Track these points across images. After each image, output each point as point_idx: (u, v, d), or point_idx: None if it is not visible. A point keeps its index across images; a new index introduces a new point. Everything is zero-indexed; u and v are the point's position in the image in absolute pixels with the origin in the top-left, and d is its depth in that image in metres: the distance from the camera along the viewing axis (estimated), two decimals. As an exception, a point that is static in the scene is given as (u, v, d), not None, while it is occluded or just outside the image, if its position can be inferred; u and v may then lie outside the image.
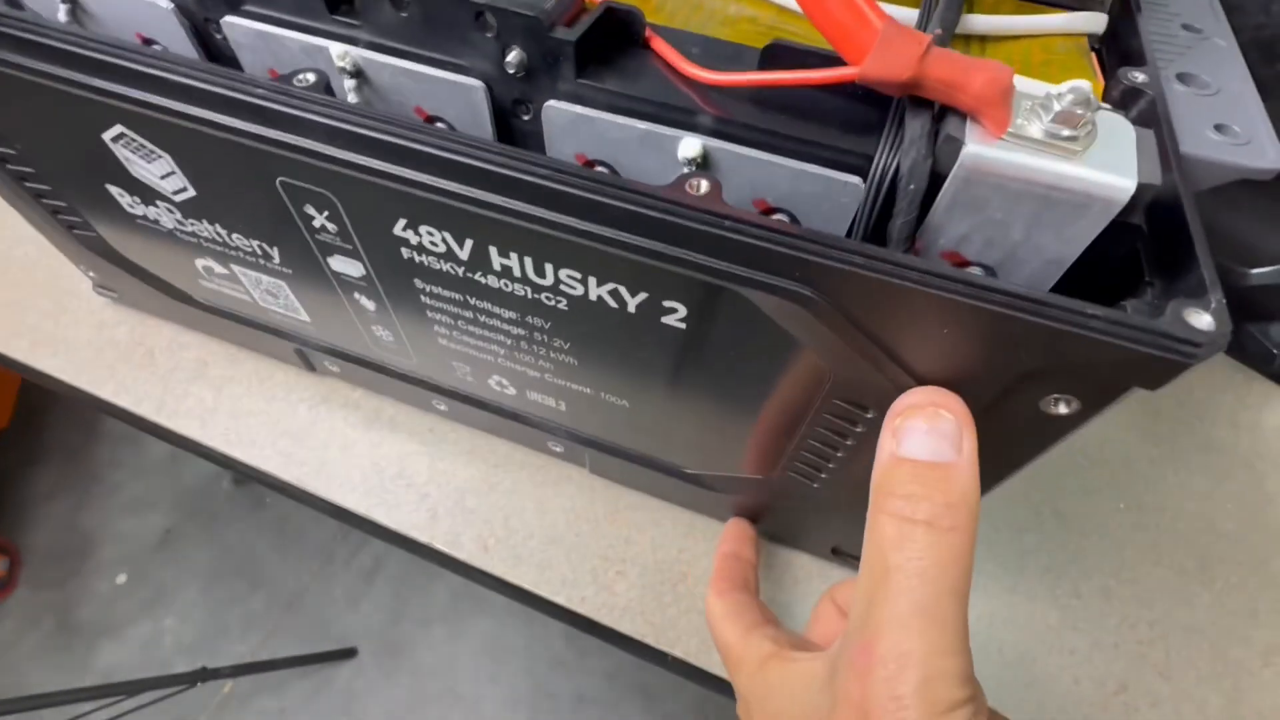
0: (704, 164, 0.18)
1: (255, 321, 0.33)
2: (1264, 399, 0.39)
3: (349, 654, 0.98)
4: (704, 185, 0.16)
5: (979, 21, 0.21)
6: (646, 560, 0.32)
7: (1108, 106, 0.18)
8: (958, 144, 0.15)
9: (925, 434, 0.16)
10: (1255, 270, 0.41)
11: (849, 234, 0.18)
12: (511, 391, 0.29)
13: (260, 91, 0.18)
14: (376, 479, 0.34)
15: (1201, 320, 0.14)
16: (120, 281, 0.35)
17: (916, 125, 0.16)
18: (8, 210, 0.31)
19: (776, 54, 0.18)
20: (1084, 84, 0.15)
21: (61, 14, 0.22)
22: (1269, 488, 0.36)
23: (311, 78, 0.19)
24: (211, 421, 0.35)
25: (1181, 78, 0.22)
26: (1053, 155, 0.15)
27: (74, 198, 0.29)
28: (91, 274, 0.37)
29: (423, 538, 0.32)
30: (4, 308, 0.39)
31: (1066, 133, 0.15)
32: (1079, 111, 0.14)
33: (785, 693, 0.18)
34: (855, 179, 0.17)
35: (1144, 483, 0.36)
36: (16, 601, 1.01)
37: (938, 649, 0.14)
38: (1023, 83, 0.16)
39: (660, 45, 0.19)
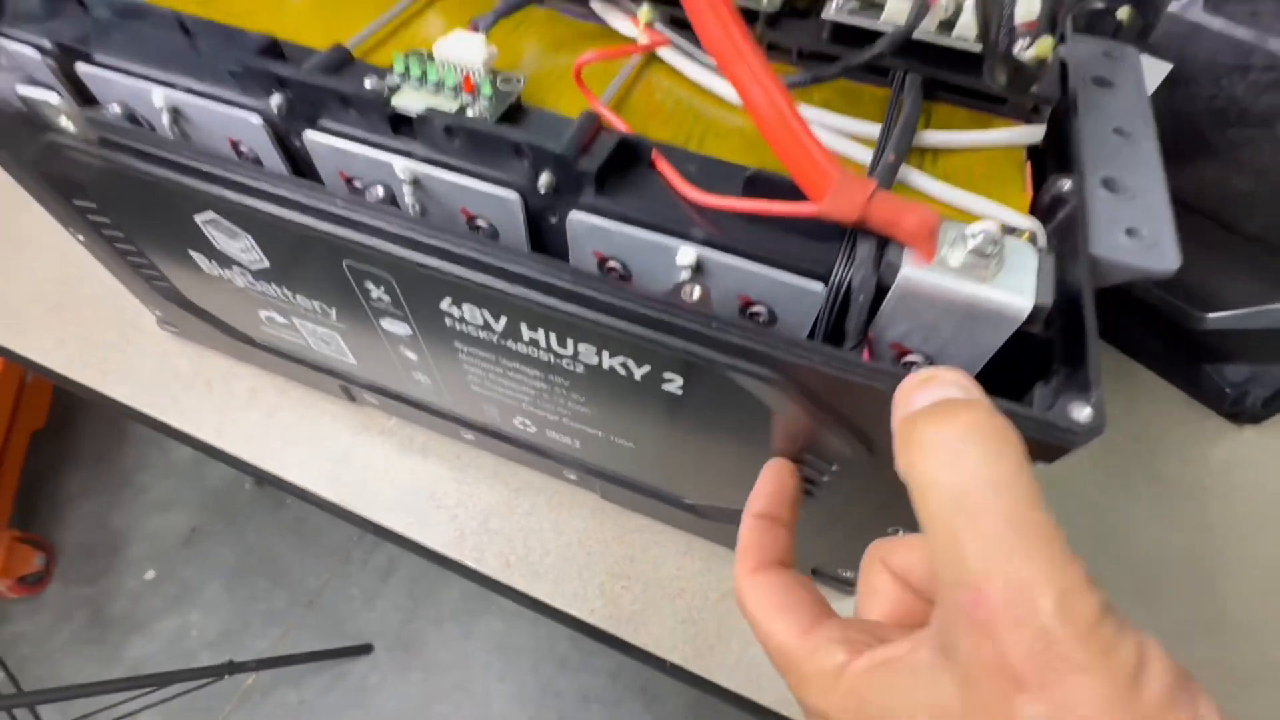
0: (698, 268, 0.22)
1: (307, 361, 0.38)
2: (1215, 435, 0.43)
3: (365, 650, 1.03)
4: (696, 292, 0.21)
5: (931, 137, 0.25)
6: (649, 577, 0.36)
7: (1027, 226, 0.22)
8: (896, 268, 0.19)
9: (928, 390, 0.15)
10: (1212, 315, 0.45)
11: (815, 325, 0.22)
12: (533, 430, 0.33)
13: (340, 204, 0.22)
14: (412, 500, 0.38)
15: (1082, 413, 0.18)
16: (184, 321, 0.40)
17: (864, 249, 0.20)
18: (75, 249, 0.35)
19: (756, 182, 0.22)
20: (993, 226, 0.19)
21: (165, 119, 0.26)
22: (1209, 518, 0.39)
23: (380, 192, 0.23)
24: (264, 446, 0.40)
25: (1106, 182, 0.26)
26: (969, 280, 0.19)
27: (157, 257, 0.33)
28: (158, 312, 0.42)
29: (453, 554, 0.36)
30: (75, 339, 0.44)
31: (979, 263, 0.19)
32: (988, 250, 0.19)
33: (889, 703, 0.14)
34: (818, 285, 0.21)
35: (1094, 512, 0.39)
36: (52, 595, 1.07)
37: (1055, 561, 0.12)
38: (948, 223, 0.20)
39: (663, 165, 0.23)
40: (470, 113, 0.23)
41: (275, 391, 0.42)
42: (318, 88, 0.23)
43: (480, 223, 0.25)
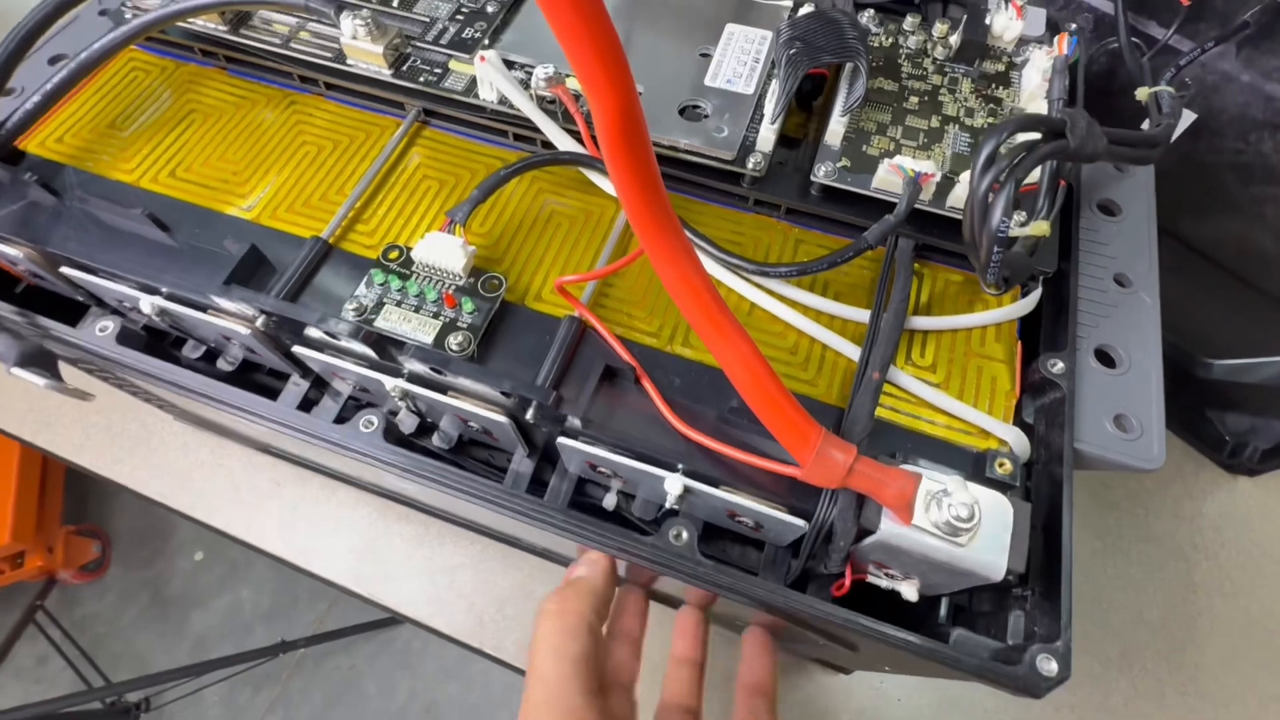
0: (686, 493, 0.23)
1: (334, 473, 0.39)
2: (1210, 487, 0.44)
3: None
4: (684, 535, 0.21)
5: (920, 322, 0.25)
6: (655, 658, 0.39)
7: (1007, 439, 0.23)
8: (875, 519, 0.20)
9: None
10: (1218, 362, 0.45)
11: (799, 545, 0.23)
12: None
13: (335, 436, 0.23)
14: (432, 589, 0.41)
15: (1049, 667, 0.19)
16: (203, 430, 0.41)
17: (846, 499, 0.21)
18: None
19: (740, 411, 0.22)
20: (969, 499, 0.19)
21: (156, 318, 0.26)
22: (1195, 578, 0.41)
23: (375, 421, 0.24)
24: (291, 541, 0.42)
25: (1099, 354, 0.25)
26: (945, 543, 0.20)
27: (174, 413, 0.34)
28: (171, 414, 0.43)
29: (474, 643, 0.39)
30: (99, 430, 0.45)
31: (955, 529, 0.19)
32: (964, 520, 0.19)
33: None
34: (802, 523, 0.22)
35: (1084, 575, 0.41)
36: (113, 579, 1.16)
37: None
38: (929, 479, 0.20)
39: (649, 386, 0.23)
40: (452, 341, 0.23)
41: (296, 482, 0.44)
42: (298, 322, 0.23)
43: (474, 425, 0.25)
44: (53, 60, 0.32)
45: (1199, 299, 0.45)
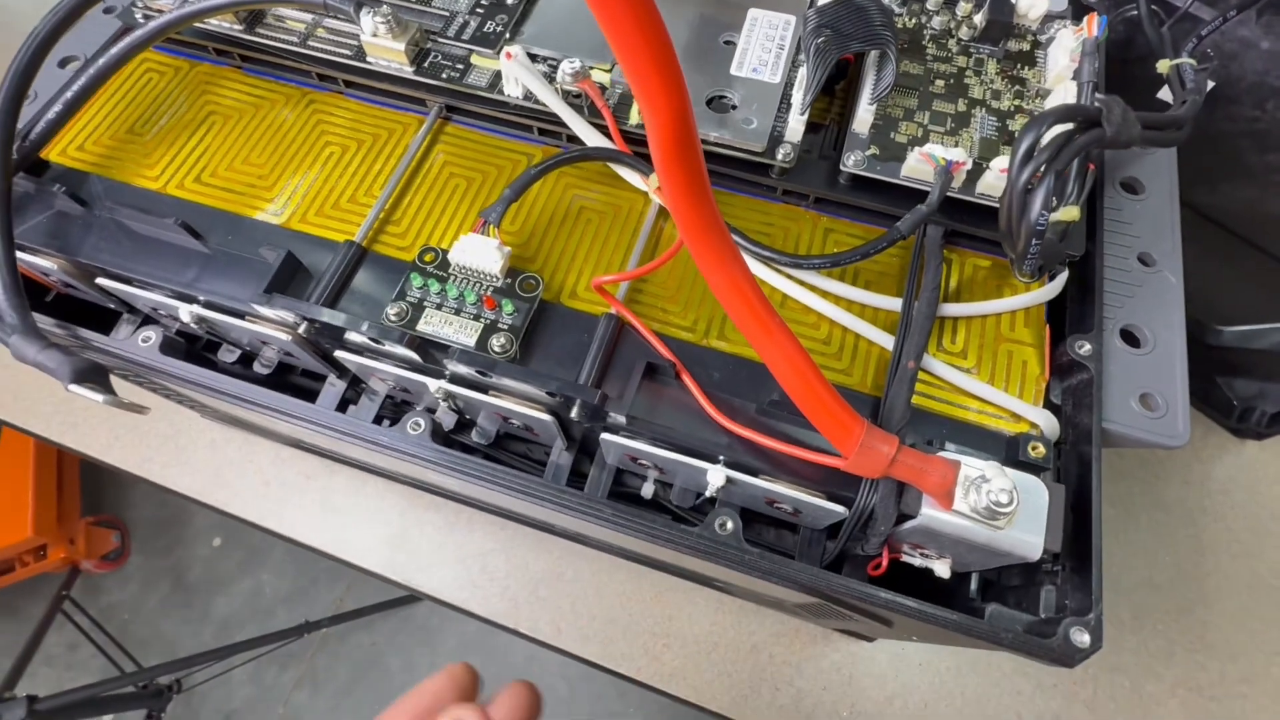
0: (728, 483, 0.23)
1: (363, 465, 0.40)
2: (1218, 451, 0.45)
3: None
4: (729, 525, 0.22)
5: (951, 309, 0.25)
6: (686, 634, 0.40)
7: (1037, 421, 0.23)
8: (916, 503, 0.21)
9: None
10: (1228, 329, 0.45)
11: (839, 528, 0.24)
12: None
13: (385, 440, 0.24)
14: (465, 575, 0.42)
15: (1082, 639, 0.20)
16: (231, 427, 0.42)
17: (887, 484, 0.21)
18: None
19: (780, 403, 0.22)
20: (1008, 485, 0.20)
21: (195, 327, 0.27)
22: (1204, 540, 0.42)
23: (422, 424, 0.24)
24: (324, 532, 0.43)
25: (1125, 334, 0.26)
26: (984, 526, 0.20)
27: (203, 411, 0.35)
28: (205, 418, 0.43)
29: (509, 624, 0.41)
30: (127, 430, 0.46)
31: (994, 513, 0.20)
32: (1003, 503, 0.20)
33: None
34: (842, 509, 0.22)
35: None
36: (134, 567, 1.18)
37: None
38: (967, 465, 0.21)
39: (689, 382, 0.23)
40: (494, 343, 0.24)
41: (325, 473, 0.45)
42: (338, 328, 0.23)
43: (514, 422, 0.26)
44: (63, 63, 0.32)
45: (1210, 266, 0.45)
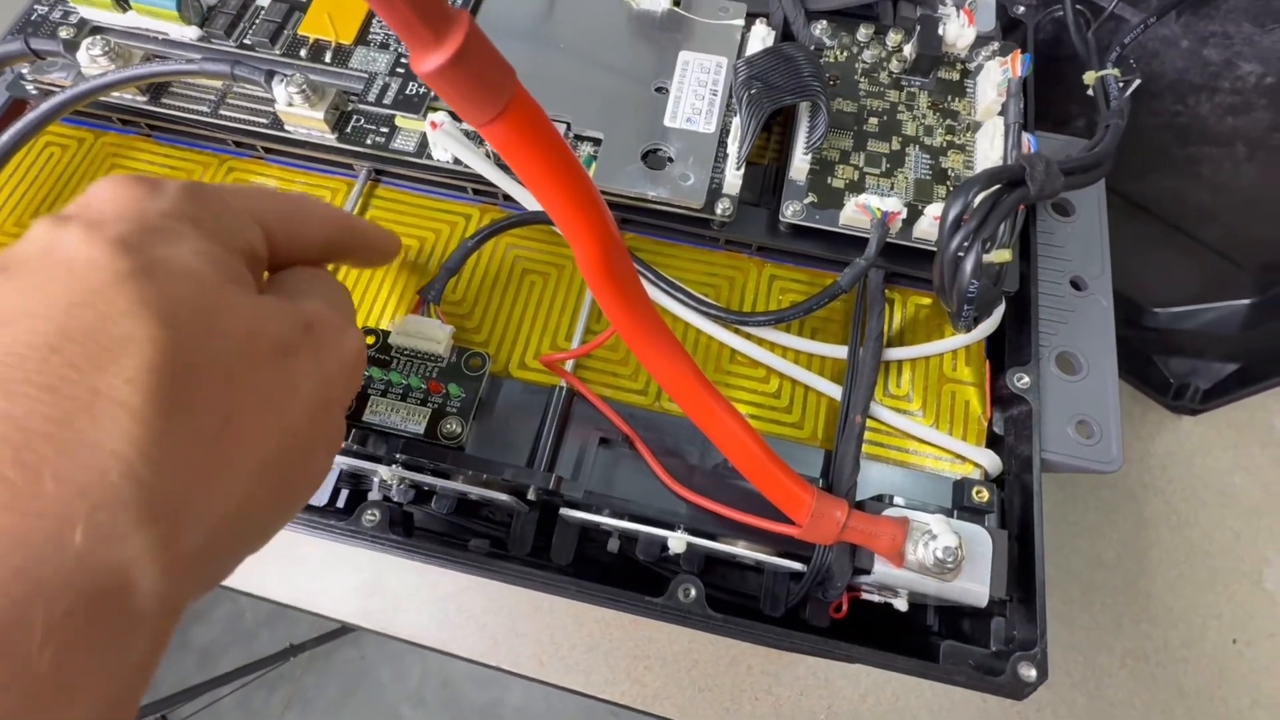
0: (689, 547, 0.24)
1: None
2: (1156, 428, 0.47)
3: (407, 606, 1.15)
4: (692, 593, 0.23)
5: (895, 353, 0.26)
6: (666, 654, 0.41)
7: (981, 462, 0.24)
8: (870, 565, 0.22)
9: None
10: (1162, 310, 0.47)
11: (801, 575, 0.24)
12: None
13: (340, 529, 0.23)
14: (442, 615, 0.42)
15: (1029, 673, 0.22)
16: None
17: (841, 549, 0.22)
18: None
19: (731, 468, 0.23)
20: (953, 541, 0.21)
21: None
22: (1147, 513, 0.45)
23: (377, 515, 0.24)
24: (292, 584, 0.43)
25: (1060, 361, 0.27)
26: (933, 579, 0.21)
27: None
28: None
29: (491, 662, 0.41)
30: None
31: (942, 566, 0.21)
32: (949, 561, 0.21)
33: None
34: (800, 566, 0.23)
35: (1049, 524, 0.44)
36: (104, 604, 1.15)
37: None
38: (915, 515, 0.21)
39: (642, 449, 0.24)
40: (444, 428, 0.23)
41: (288, 526, 0.44)
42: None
43: (474, 496, 0.26)
44: (-49, 138, 0.29)
45: (1144, 251, 0.47)
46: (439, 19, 0.10)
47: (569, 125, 0.27)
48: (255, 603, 1.18)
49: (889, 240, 0.25)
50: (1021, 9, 0.34)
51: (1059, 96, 0.40)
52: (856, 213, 0.25)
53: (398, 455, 0.23)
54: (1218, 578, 0.43)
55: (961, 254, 0.20)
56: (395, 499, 0.26)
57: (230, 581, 0.42)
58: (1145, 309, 0.48)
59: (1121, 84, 0.31)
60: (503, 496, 0.24)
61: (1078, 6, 0.39)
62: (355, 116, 0.27)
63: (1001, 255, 0.24)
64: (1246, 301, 0.44)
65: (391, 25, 0.10)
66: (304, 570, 0.43)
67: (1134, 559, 0.44)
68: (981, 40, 0.29)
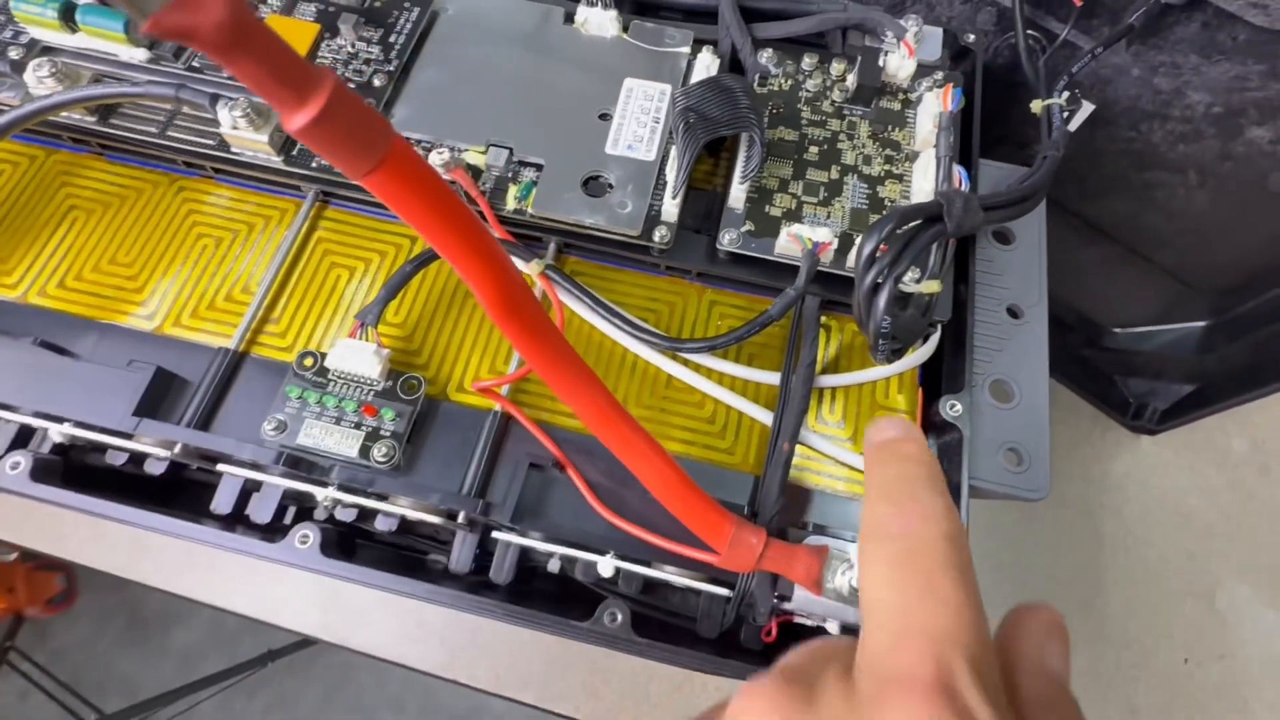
0: (621, 571, 0.24)
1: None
2: (1115, 448, 0.48)
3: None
4: (619, 617, 0.23)
5: (828, 380, 0.26)
6: (623, 670, 0.41)
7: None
8: (791, 592, 0.22)
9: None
10: (1121, 331, 0.48)
11: (729, 605, 0.25)
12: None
13: (272, 554, 0.24)
14: (401, 629, 0.42)
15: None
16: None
17: (762, 577, 0.22)
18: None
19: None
20: (869, 571, 0.21)
21: (65, 444, 0.26)
22: (1103, 533, 0.45)
23: (311, 536, 0.24)
24: (251, 595, 0.43)
25: (993, 389, 0.27)
26: (851, 605, 0.22)
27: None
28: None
29: (447, 675, 0.41)
30: (40, 510, 0.44)
31: (857, 597, 0.21)
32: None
33: None
34: (726, 591, 0.23)
35: (1005, 542, 0.45)
36: (84, 607, 1.14)
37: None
38: (834, 544, 0.22)
39: (573, 474, 0.24)
40: (376, 453, 0.23)
41: (250, 537, 0.44)
42: (214, 454, 0.23)
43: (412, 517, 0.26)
44: (-95, 153, 0.30)
45: (1104, 273, 0.48)
46: (301, 80, 0.11)
47: (511, 151, 0.27)
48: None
49: (826, 269, 0.26)
50: (971, 37, 0.34)
51: (1018, 120, 0.40)
52: (789, 242, 0.25)
53: (328, 480, 0.23)
54: (1171, 598, 0.44)
55: (876, 288, 0.20)
56: (338, 518, 0.26)
57: (195, 594, 0.42)
58: (1106, 329, 0.48)
59: (1066, 114, 0.32)
60: (435, 519, 0.24)
61: (1032, 34, 0.39)
62: (302, 139, 0.27)
63: (931, 286, 0.24)
64: (1202, 324, 0.44)
65: (253, 89, 0.11)
66: (264, 584, 0.43)
67: (1089, 578, 0.44)
68: (925, 70, 0.30)
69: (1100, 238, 0.46)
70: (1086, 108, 0.41)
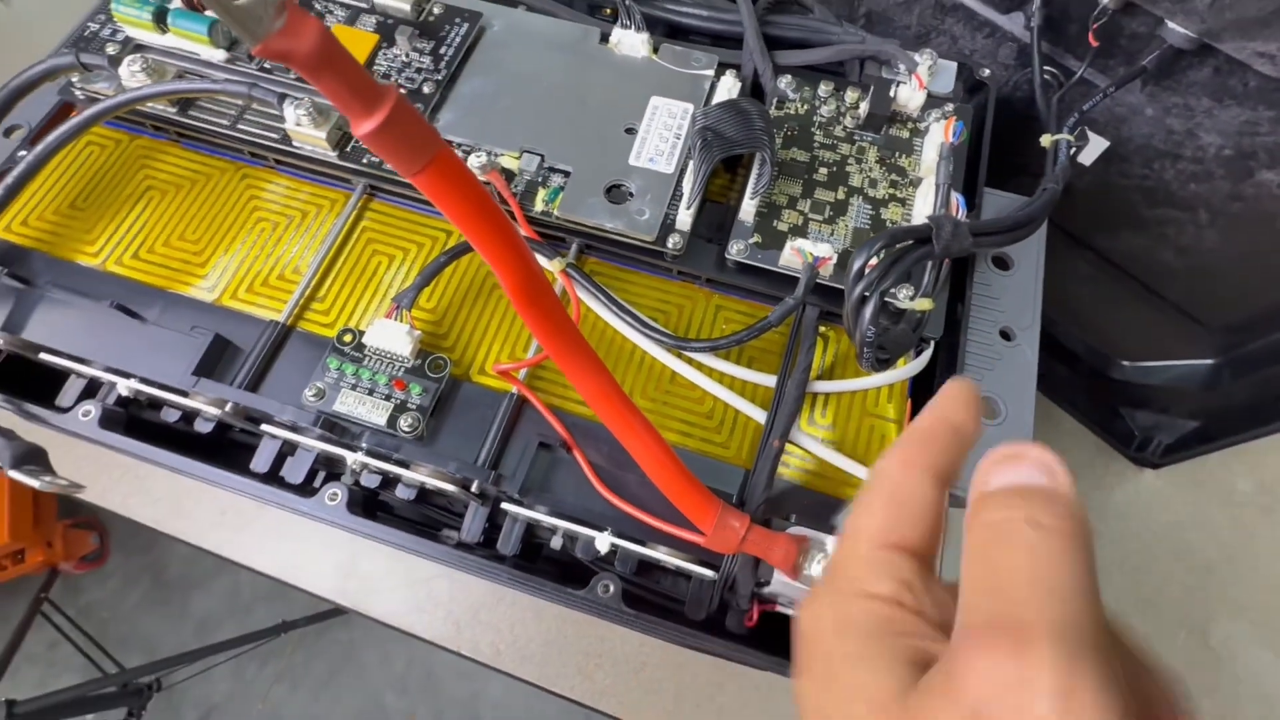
0: (614, 548, 0.26)
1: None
2: (1118, 479, 0.48)
3: (399, 594, 1.18)
4: (611, 589, 0.25)
5: (821, 386, 0.28)
6: (618, 654, 0.43)
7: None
8: (770, 576, 0.24)
9: (1005, 470, 0.13)
10: (1130, 364, 0.49)
11: (715, 586, 0.26)
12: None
13: (303, 508, 0.26)
14: (412, 599, 0.45)
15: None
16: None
17: (744, 560, 0.24)
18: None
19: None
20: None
21: (132, 396, 0.29)
22: (1100, 561, 0.45)
23: (340, 494, 0.27)
24: (276, 557, 0.46)
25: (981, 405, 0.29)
26: (825, 594, 0.23)
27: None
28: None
29: (451, 646, 0.44)
30: (89, 461, 0.48)
31: (833, 584, 0.23)
32: (839, 578, 0.23)
33: None
34: (712, 573, 0.25)
35: (1000, 565, 0.46)
36: (114, 566, 1.20)
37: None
38: (814, 534, 0.23)
39: (578, 455, 0.26)
40: (403, 423, 0.26)
41: (278, 503, 0.47)
42: (259, 414, 0.26)
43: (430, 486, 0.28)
44: (8, 131, 0.33)
45: (1114, 305, 0.48)
46: (370, 94, 0.13)
47: (543, 157, 0.29)
48: (253, 578, 1.22)
49: (826, 283, 0.28)
50: (986, 71, 0.36)
51: (1036, 151, 0.42)
52: (792, 255, 0.27)
53: (359, 444, 0.25)
54: (1165, 630, 0.44)
55: (863, 300, 0.22)
56: (364, 483, 0.28)
57: (222, 550, 0.46)
58: (1113, 361, 0.49)
59: (1073, 149, 0.33)
60: (451, 488, 0.26)
61: (1050, 70, 0.41)
62: (354, 138, 0.30)
63: (923, 304, 0.26)
64: (1209, 361, 0.45)
65: (332, 101, 0.13)
66: (291, 546, 0.46)
67: (1082, 604, 0.45)
68: (936, 101, 0.32)
69: (1111, 270, 0.47)
70: (1101, 144, 0.42)
